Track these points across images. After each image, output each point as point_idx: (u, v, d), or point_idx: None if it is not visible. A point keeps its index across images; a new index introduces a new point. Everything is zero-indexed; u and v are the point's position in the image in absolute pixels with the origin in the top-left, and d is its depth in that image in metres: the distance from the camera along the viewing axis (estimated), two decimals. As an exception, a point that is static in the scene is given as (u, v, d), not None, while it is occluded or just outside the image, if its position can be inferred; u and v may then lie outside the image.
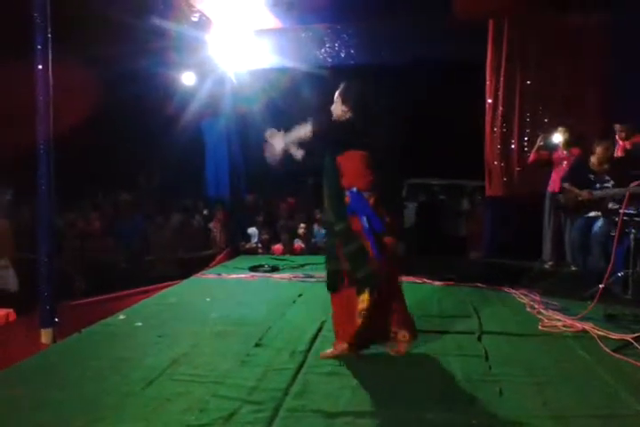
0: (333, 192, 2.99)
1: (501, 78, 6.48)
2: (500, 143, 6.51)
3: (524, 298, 4.45)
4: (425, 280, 5.15)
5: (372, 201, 2.91)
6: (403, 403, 2.47)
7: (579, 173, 5.01)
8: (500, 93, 6.49)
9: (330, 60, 6.79)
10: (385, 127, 3.09)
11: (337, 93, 3.09)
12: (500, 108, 6.51)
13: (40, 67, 3.40)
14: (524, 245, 6.04)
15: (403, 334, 3.03)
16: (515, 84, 6.43)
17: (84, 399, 2.52)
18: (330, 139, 3.01)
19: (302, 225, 7.75)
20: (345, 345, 3.03)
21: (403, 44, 6.82)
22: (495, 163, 6.50)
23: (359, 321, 2.91)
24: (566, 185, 5.03)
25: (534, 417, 2.32)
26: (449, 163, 9.74)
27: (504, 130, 6.51)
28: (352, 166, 2.94)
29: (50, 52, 3.43)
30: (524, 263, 5.86)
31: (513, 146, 6.46)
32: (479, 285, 4.91)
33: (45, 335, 3.43)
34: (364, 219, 2.87)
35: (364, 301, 2.89)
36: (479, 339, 3.37)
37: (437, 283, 5.06)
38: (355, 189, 2.90)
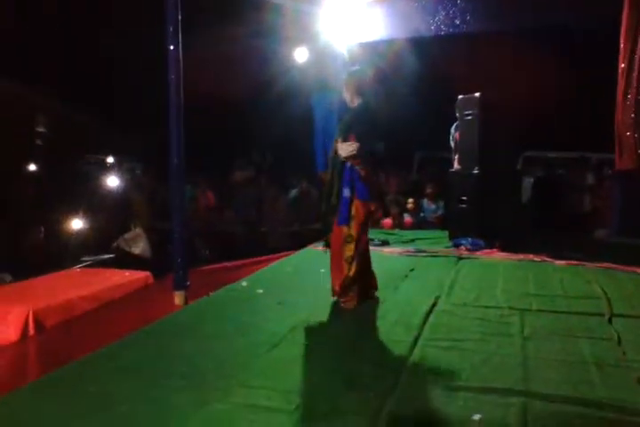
0: (337, 166, 3.54)
1: (639, 39, 5.84)
2: (635, 112, 5.91)
3: (660, 281, 4.09)
4: (545, 258, 4.90)
5: (363, 173, 3.46)
6: (528, 382, 2.39)
7: None
8: (637, 56, 5.86)
9: (444, 28, 6.51)
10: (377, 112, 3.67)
11: (343, 83, 3.60)
12: (636, 73, 5.89)
13: (172, 47, 3.62)
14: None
15: (373, 292, 3.75)
16: (655, 46, 5.77)
17: (216, 356, 2.74)
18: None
19: (411, 200, 7.67)
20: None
21: (522, 7, 6.37)
22: (628, 133, 5.91)
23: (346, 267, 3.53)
24: None
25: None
26: (569, 134, 9.07)
27: (639, 97, 5.89)
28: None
29: (180, 33, 3.63)
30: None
31: (651, 114, 5.84)
32: (607, 265, 4.58)
33: (178, 297, 3.76)
34: (346, 190, 3.50)
35: (350, 249, 3.51)
36: (610, 321, 3.16)
37: (559, 262, 4.79)
38: (349, 164, 3.50)
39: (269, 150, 9.38)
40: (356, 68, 3.81)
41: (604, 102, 6.16)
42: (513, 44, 8.08)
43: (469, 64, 8.39)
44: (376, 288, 3.78)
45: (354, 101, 3.55)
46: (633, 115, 5.93)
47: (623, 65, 5.96)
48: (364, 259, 3.64)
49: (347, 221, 3.51)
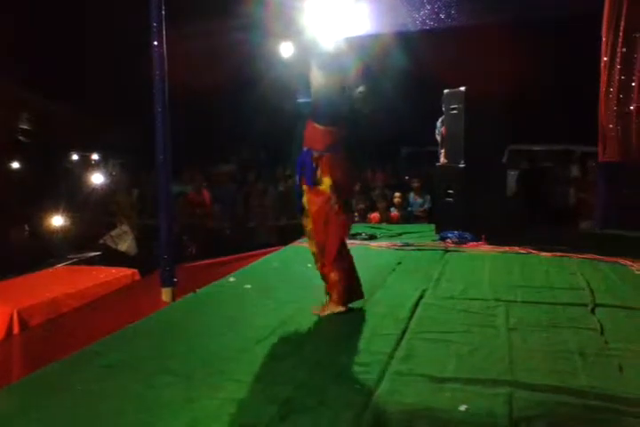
0: (296, 153, 3.29)
1: (620, 33, 5.91)
2: (617, 105, 6.00)
3: (643, 271, 4.15)
4: (530, 251, 4.95)
5: (315, 157, 3.11)
6: (513, 373, 2.43)
7: None
8: (618, 50, 5.94)
9: (429, 22, 6.54)
10: (356, 103, 3.31)
11: (314, 63, 3.22)
12: (618, 67, 5.97)
13: (156, 43, 3.59)
14: (641, 215, 5.59)
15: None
16: (635, 39, 5.85)
17: (205, 352, 2.74)
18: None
19: (397, 194, 7.71)
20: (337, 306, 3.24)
21: (508, 1, 6.42)
22: (611, 126, 6.01)
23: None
24: None
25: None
26: (554, 127, 9.17)
27: (621, 90, 5.98)
28: (311, 132, 3.18)
29: (164, 29, 3.60)
30: (640, 234, 5.45)
31: (632, 107, 5.92)
32: (591, 256, 4.64)
33: (166, 294, 3.75)
34: (297, 177, 3.21)
35: (312, 245, 3.25)
36: (592, 311, 3.21)
37: (544, 254, 4.84)
38: (306, 149, 3.17)
39: (258, 145, 9.37)
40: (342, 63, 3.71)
41: (587, 95, 6.23)
42: (498, 37, 8.12)
43: (455, 58, 8.44)
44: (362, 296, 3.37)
45: (321, 85, 3.25)
46: (615, 107, 6.02)
47: (605, 59, 6.05)
48: (342, 258, 3.24)
49: (300, 210, 3.24)
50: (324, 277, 3.30)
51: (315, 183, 3.10)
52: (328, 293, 3.31)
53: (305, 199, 3.18)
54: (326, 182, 3.11)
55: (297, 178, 3.24)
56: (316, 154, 3.12)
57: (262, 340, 2.87)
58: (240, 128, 8.76)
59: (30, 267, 4.37)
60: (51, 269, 4.45)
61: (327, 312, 3.23)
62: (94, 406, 2.21)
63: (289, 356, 2.68)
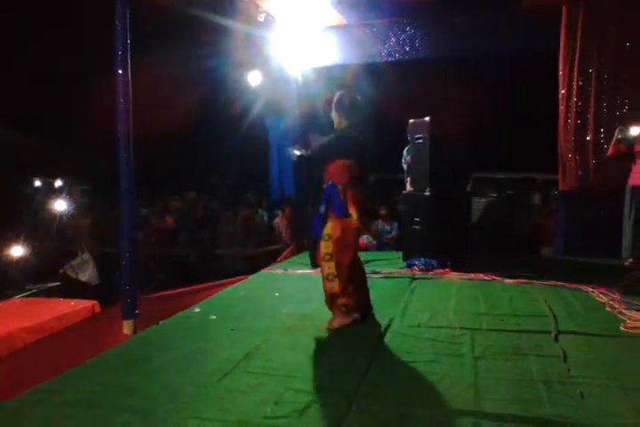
0: (317, 184, 3.70)
1: (575, 68, 6.19)
2: (575, 135, 6.23)
3: (603, 297, 4.24)
4: (494, 277, 5.02)
5: (341, 190, 3.48)
6: (479, 402, 2.42)
7: None
8: (574, 83, 6.21)
9: (395, 54, 6.73)
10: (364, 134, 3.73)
11: (332, 104, 3.66)
12: (574, 99, 6.22)
13: (120, 71, 3.58)
14: (600, 242, 5.75)
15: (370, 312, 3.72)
16: (590, 74, 6.13)
17: (167, 388, 2.65)
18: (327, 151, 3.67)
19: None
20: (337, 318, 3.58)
21: (470, 34, 6.67)
22: (569, 156, 6.23)
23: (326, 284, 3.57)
24: None
25: (622, 425, 2.21)
26: (517, 156, 9.45)
27: (578, 121, 6.22)
28: (333, 167, 3.56)
29: (129, 57, 3.60)
30: (600, 261, 5.60)
31: (588, 138, 6.16)
32: (553, 283, 4.73)
33: (127, 326, 3.63)
34: (322, 207, 3.54)
35: (330, 267, 3.53)
36: (556, 339, 3.25)
37: (508, 280, 4.92)
38: (330, 182, 3.55)
39: (227, 173, 9.36)
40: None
41: (549, 125, 6.45)
42: (461, 69, 8.41)
43: (420, 88, 8.67)
44: (371, 309, 3.75)
45: (341, 124, 3.66)
46: (573, 138, 6.24)
47: (563, 91, 6.30)
48: (354, 277, 3.59)
49: (317, 236, 3.54)
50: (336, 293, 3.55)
51: (345, 215, 3.48)
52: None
53: (328, 226, 3.51)
54: (354, 215, 3.49)
55: (322, 207, 3.55)
56: (340, 187, 3.49)
57: (227, 374, 2.80)
58: (208, 155, 8.75)
59: (-16, 299, 4.20)
60: (6, 302, 4.27)
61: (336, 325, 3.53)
62: (47, 448, 2.10)
63: (253, 391, 2.61)
